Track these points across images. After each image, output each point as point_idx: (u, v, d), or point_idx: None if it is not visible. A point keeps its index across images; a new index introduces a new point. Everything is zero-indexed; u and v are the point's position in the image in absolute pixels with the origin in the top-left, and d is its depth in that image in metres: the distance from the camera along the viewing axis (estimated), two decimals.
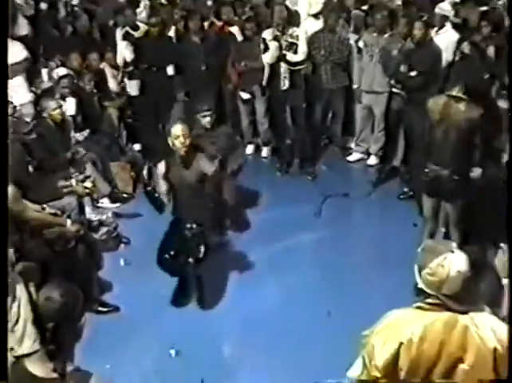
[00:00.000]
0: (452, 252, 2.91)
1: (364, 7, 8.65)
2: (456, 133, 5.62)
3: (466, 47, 7.64)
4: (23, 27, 8.25)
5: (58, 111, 6.77)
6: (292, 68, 8.33)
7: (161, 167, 5.60)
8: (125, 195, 7.70)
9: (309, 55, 8.37)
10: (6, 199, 2.91)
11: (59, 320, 2.70)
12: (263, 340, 5.25)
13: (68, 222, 5.52)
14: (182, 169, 5.56)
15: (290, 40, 8.26)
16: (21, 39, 7.87)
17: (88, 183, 6.35)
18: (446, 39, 7.83)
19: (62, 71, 7.70)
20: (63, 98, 7.40)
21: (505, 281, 3.40)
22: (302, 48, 8.30)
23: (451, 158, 5.68)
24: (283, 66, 8.31)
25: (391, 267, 5.91)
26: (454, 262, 2.88)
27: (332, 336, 5.16)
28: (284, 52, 8.25)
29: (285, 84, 8.36)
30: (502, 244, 3.62)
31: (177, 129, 5.48)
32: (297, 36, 8.28)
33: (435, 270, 2.88)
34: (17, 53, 7.37)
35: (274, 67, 8.37)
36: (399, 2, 8.79)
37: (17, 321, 4.35)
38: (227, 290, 5.92)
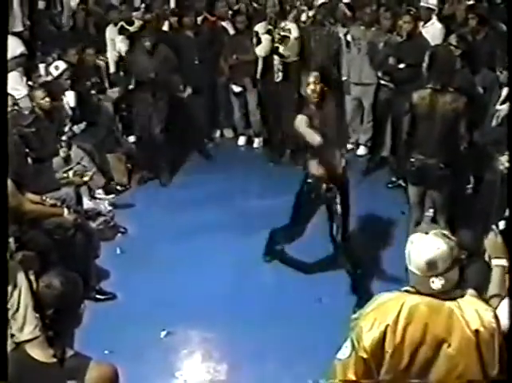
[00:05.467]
0: (426, 233, 2.93)
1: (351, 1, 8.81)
2: (442, 124, 5.69)
3: (453, 39, 7.79)
4: (20, 23, 8.32)
5: (47, 99, 6.70)
6: (285, 60, 8.47)
7: (301, 118, 5.55)
8: (119, 188, 7.84)
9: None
10: (6, 189, 2.93)
11: (59, 307, 2.71)
12: (254, 325, 5.34)
13: (66, 211, 5.57)
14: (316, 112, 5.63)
15: (282, 33, 8.38)
16: (18, 34, 7.90)
17: (86, 178, 6.45)
18: (432, 32, 7.94)
19: (61, 64, 7.69)
20: (62, 91, 7.45)
21: (495, 261, 3.49)
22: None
23: (437, 147, 5.74)
24: (276, 59, 8.44)
25: (381, 254, 6.09)
26: (423, 246, 2.90)
27: (322, 321, 5.26)
28: (276, 45, 8.39)
29: (278, 76, 8.50)
30: (493, 226, 3.71)
31: (310, 77, 5.63)
32: (289, 29, 8.40)
33: (411, 255, 2.93)
34: (13, 48, 7.26)
35: (267, 60, 8.48)
36: None
37: (17, 308, 4.42)
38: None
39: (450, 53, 6.46)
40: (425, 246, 2.90)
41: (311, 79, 5.61)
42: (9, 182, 4.68)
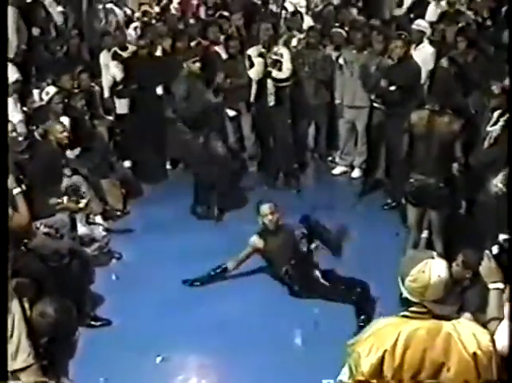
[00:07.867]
0: (432, 258, 2.96)
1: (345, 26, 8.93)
2: (440, 144, 5.76)
3: (444, 62, 7.88)
4: (14, 49, 8.36)
5: (65, 134, 6.75)
6: (278, 85, 8.51)
7: (257, 241, 6.37)
8: (117, 213, 7.81)
9: (294, 71, 8.56)
10: (7, 213, 2.97)
11: (53, 335, 2.76)
12: (250, 350, 5.32)
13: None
14: (274, 238, 6.34)
15: (274, 57, 8.42)
16: (12, 61, 7.93)
17: (81, 204, 6.43)
18: (423, 54, 8.03)
19: (52, 89, 7.73)
20: (56, 117, 7.43)
21: (492, 285, 3.51)
22: (287, 65, 8.46)
23: (436, 167, 5.80)
24: (269, 83, 8.48)
25: (376, 276, 6.05)
26: (434, 267, 2.92)
27: (318, 344, 5.27)
28: (269, 69, 8.43)
29: (271, 100, 8.54)
30: (486, 251, 3.73)
31: (265, 208, 6.33)
32: (282, 54, 8.45)
33: (416, 277, 2.92)
34: (9, 74, 7.42)
35: (261, 84, 8.51)
36: (378, 22, 9.06)
37: (11, 335, 4.47)
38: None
39: (449, 74, 6.51)
40: (430, 271, 2.93)
41: (267, 210, 6.29)
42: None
